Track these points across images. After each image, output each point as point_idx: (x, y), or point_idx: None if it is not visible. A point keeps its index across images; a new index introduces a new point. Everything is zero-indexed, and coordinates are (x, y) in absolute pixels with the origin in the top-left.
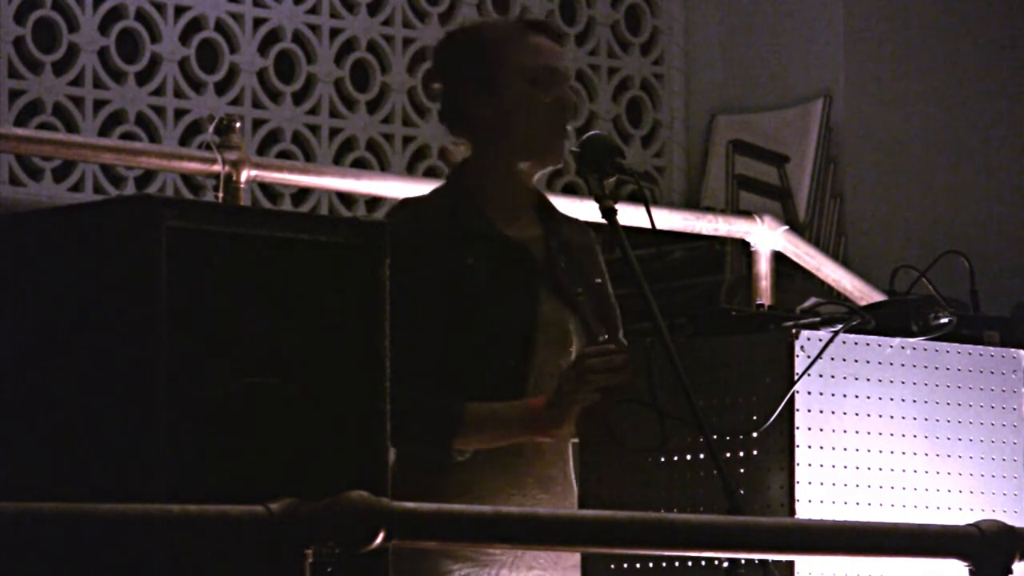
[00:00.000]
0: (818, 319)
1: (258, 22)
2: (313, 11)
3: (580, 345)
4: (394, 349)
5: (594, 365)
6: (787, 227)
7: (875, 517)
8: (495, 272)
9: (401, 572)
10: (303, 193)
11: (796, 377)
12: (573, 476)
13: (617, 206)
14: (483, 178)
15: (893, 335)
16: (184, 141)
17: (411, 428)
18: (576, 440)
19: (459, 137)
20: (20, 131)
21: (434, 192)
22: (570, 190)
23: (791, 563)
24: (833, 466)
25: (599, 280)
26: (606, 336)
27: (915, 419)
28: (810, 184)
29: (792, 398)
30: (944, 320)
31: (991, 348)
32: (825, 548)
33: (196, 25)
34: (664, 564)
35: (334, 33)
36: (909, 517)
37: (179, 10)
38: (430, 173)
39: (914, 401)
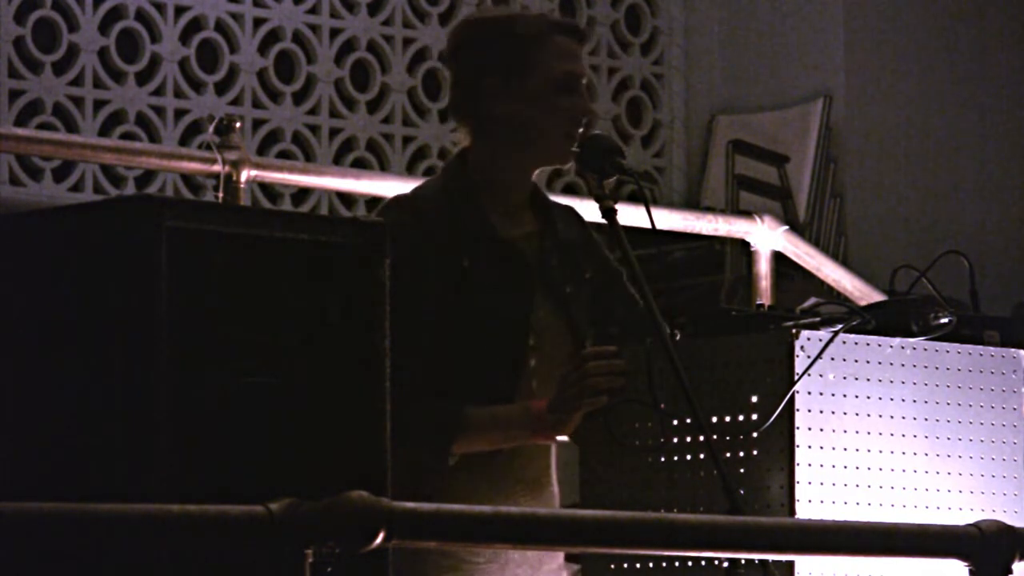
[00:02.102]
0: (818, 319)
1: (258, 22)
2: (313, 11)
3: (569, 345)
4: (393, 353)
5: (593, 369)
6: (787, 227)
7: (875, 517)
8: (491, 275)
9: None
10: (303, 193)
11: (796, 377)
12: (555, 479)
13: (617, 206)
14: (487, 173)
15: (893, 335)
16: (184, 141)
17: (410, 433)
18: (566, 440)
19: (465, 128)
20: (20, 131)
21: (430, 188)
22: (570, 190)
23: (791, 563)
24: (833, 466)
25: (588, 275)
26: (591, 335)
27: (915, 419)
28: (810, 184)
29: (792, 398)
30: (944, 320)
31: (991, 348)
32: (825, 548)
33: (196, 25)
34: (664, 564)
35: (334, 33)
36: (909, 517)
37: (179, 10)
38: (430, 173)
39: (914, 401)
